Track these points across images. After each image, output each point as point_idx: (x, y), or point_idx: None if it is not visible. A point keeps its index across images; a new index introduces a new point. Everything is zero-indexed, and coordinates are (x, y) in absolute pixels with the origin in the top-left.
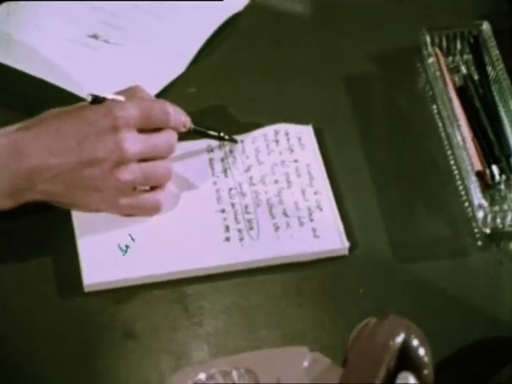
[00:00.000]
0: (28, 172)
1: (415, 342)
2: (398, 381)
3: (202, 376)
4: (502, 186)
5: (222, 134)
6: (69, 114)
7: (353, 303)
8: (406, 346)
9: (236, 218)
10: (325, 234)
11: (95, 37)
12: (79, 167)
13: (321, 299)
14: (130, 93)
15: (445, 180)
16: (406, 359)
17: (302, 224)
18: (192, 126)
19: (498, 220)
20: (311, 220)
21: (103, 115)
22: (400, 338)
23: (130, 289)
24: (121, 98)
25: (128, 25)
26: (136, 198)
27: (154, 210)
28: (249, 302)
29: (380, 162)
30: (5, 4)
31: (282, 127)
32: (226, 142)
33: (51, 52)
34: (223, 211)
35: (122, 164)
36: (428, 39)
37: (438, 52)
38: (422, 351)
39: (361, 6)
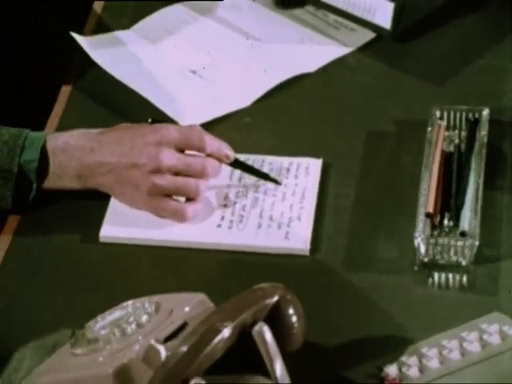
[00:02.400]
0: (91, 164)
1: (287, 306)
2: (254, 328)
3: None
4: (446, 229)
5: (265, 173)
6: (132, 127)
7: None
8: (278, 307)
9: (233, 213)
10: (294, 237)
11: (194, 72)
12: (126, 167)
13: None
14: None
15: (408, 216)
16: (278, 319)
17: (279, 227)
18: (234, 158)
19: (434, 253)
20: (288, 226)
21: (152, 132)
22: (273, 299)
23: (135, 246)
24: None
25: (218, 66)
26: (166, 203)
27: (179, 218)
28: (219, 273)
29: (364, 196)
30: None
31: (296, 160)
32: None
33: (160, 77)
34: (225, 206)
35: (157, 171)
36: (438, 113)
37: (442, 124)
38: (292, 314)
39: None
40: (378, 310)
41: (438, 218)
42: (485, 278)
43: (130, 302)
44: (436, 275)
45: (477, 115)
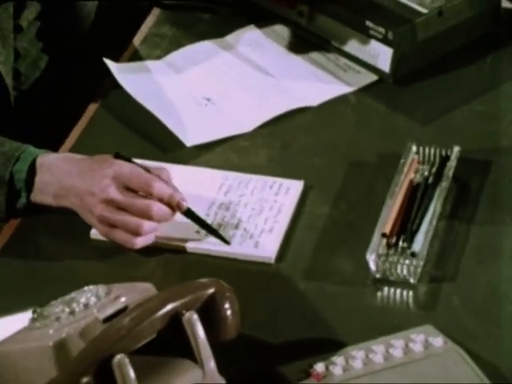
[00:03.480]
0: (66, 186)
1: (222, 299)
2: (185, 315)
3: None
4: (399, 249)
5: (214, 229)
6: (100, 159)
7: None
8: (213, 299)
9: (213, 222)
10: (262, 247)
11: (208, 99)
12: (86, 193)
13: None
14: (154, 169)
15: (368, 235)
16: (212, 310)
17: (251, 237)
18: (184, 209)
19: (383, 269)
20: (259, 237)
21: (109, 166)
22: (208, 291)
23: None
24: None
25: (230, 95)
26: (112, 231)
27: (127, 246)
28: (192, 274)
29: (336, 216)
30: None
31: (279, 180)
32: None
33: (176, 102)
34: (208, 215)
35: (104, 202)
36: (414, 148)
37: (415, 158)
38: (226, 308)
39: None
40: (324, 316)
41: (393, 239)
42: (427, 295)
43: (90, 286)
44: (384, 290)
45: (448, 152)
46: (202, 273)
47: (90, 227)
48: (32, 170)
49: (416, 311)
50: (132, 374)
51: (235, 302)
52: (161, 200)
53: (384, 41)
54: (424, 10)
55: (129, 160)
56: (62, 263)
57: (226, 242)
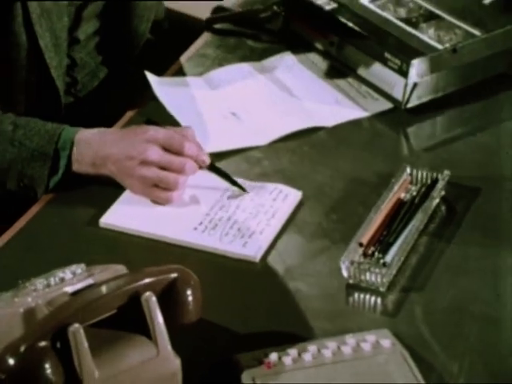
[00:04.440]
0: (102, 155)
1: (184, 285)
2: (143, 296)
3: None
4: (373, 259)
5: (234, 180)
6: (132, 128)
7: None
8: (175, 284)
9: (210, 221)
10: (250, 246)
11: (233, 114)
12: (124, 159)
13: (221, 279)
14: (181, 129)
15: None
16: (174, 294)
17: (242, 237)
18: (208, 163)
19: (355, 276)
20: (249, 237)
21: (144, 132)
22: (170, 275)
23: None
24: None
25: (254, 111)
26: (153, 190)
27: (164, 203)
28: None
29: (327, 225)
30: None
31: (280, 186)
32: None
33: (204, 114)
34: (208, 214)
35: (144, 164)
36: (408, 169)
37: (407, 178)
38: (188, 294)
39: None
40: (294, 313)
41: (371, 250)
42: (393, 303)
43: (73, 265)
44: (355, 295)
45: (439, 176)
46: (190, 265)
47: (99, 216)
48: (71, 146)
49: (380, 317)
50: (85, 342)
51: (198, 290)
52: (190, 157)
53: (399, 71)
54: (440, 46)
55: (158, 124)
56: (72, 249)
57: (244, 190)
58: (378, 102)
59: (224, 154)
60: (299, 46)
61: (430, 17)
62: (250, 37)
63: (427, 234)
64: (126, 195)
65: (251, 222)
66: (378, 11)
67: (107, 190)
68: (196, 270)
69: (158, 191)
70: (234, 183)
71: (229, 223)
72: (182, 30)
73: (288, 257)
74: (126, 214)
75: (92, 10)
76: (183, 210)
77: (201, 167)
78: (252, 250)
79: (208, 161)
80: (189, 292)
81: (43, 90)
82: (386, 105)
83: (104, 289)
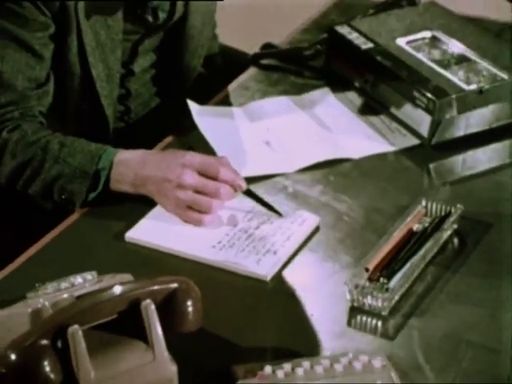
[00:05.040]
0: (142, 175)
1: (185, 295)
2: (142, 303)
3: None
4: (378, 284)
5: (270, 205)
6: (171, 151)
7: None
8: (175, 294)
9: (229, 240)
10: (263, 265)
11: (267, 143)
12: (162, 181)
13: (232, 295)
14: (216, 157)
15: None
16: (174, 303)
17: (256, 254)
18: (244, 189)
19: (358, 299)
20: (264, 255)
21: (181, 156)
22: (170, 285)
23: (151, 249)
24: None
25: (287, 140)
26: (186, 212)
27: (196, 224)
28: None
29: (339, 251)
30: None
31: (300, 211)
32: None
33: (239, 143)
34: (227, 234)
35: (180, 187)
36: (423, 202)
37: (422, 210)
38: (188, 304)
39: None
40: (296, 330)
41: (377, 275)
42: (392, 327)
43: (86, 272)
44: (357, 317)
45: (452, 209)
46: (204, 280)
47: (125, 231)
48: (111, 165)
49: (379, 339)
50: (83, 343)
51: (198, 301)
52: (226, 182)
53: (426, 109)
54: (466, 87)
55: (197, 151)
56: (99, 258)
57: (280, 214)
58: (405, 138)
59: (253, 178)
60: (338, 83)
61: (461, 59)
62: (293, 73)
63: (435, 264)
64: (154, 212)
65: (267, 241)
66: (413, 52)
67: (139, 205)
68: (208, 285)
69: (191, 213)
70: (270, 208)
71: (246, 242)
72: (231, 64)
73: (298, 278)
74: (150, 230)
75: (148, 46)
76: (205, 228)
77: (237, 191)
78: (264, 268)
79: (244, 186)
80: (189, 303)
81: (93, 116)
82: (413, 141)
83: (105, 294)
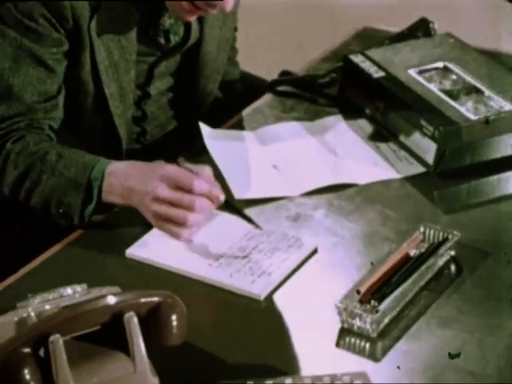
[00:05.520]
0: (128, 187)
1: (168, 309)
2: (125, 315)
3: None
4: (368, 306)
5: (248, 217)
6: (153, 164)
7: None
8: (159, 308)
9: (227, 259)
10: (257, 285)
11: (275, 166)
12: (142, 193)
13: (224, 312)
14: (198, 168)
15: None
16: (158, 317)
17: (252, 275)
18: (222, 200)
19: (348, 320)
20: (259, 277)
21: (158, 169)
22: (153, 299)
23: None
24: (188, 166)
25: (294, 165)
26: (164, 225)
27: (176, 238)
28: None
29: (334, 274)
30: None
31: (297, 236)
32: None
33: (247, 165)
34: (225, 253)
35: (155, 200)
36: (422, 228)
37: (419, 236)
38: (172, 319)
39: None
40: (284, 349)
41: (369, 297)
42: (381, 349)
43: (76, 285)
44: (346, 338)
45: (449, 236)
46: (199, 297)
47: (126, 247)
48: (102, 177)
49: (365, 361)
50: (63, 353)
51: (183, 316)
52: (201, 195)
53: (432, 138)
54: (473, 117)
55: (176, 163)
56: (99, 272)
57: (258, 226)
58: (412, 166)
59: (258, 200)
60: (351, 110)
61: (471, 90)
62: (308, 100)
63: (429, 289)
64: (154, 230)
65: (264, 262)
66: (424, 82)
67: (141, 223)
68: (204, 301)
69: (169, 226)
70: (249, 221)
71: (243, 262)
72: (250, 90)
73: (291, 298)
74: (150, 248)
75: (164, 69)
76: (204, 247)
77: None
78: (258, 288)
79: (222, 197)
80: (173, 317)
81: (107, 135)
82: (419, 169)
83: (88, 305)
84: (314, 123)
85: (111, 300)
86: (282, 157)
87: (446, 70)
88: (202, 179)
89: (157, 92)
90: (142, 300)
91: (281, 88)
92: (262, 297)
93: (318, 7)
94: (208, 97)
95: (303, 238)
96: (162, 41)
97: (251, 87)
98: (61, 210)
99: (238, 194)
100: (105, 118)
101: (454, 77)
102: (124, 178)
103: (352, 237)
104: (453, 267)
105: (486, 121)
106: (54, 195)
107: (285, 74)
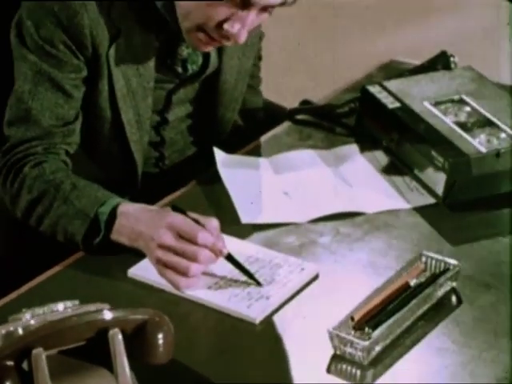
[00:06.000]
0: (136, 231)
1: (154, 328)
2: (109, 332)
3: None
4: (362, 333)
5: (251, 273)
6: (160, 210)
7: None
8: (145, 326)
9: (226, 282)
10: (253, 309)
11: (286, 193)
12: (148, 239)
13: (218, 334)
14: (205, 219)
15: None
16: (144, 335)
17: (249, 299)
18: (225, 254)
19: (340, 347)
20: (256, 300)
21: (165, 217)
22: (138, 316)
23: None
24: (195, 216)
25: (305, 192)
26: (165, 272)
27: (175, 287)
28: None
29: (330, 301)
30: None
31: (300, 261)
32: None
33: (258, 191)
34: (225, 276)
35: (160, 247)
36: (423, 258)
37: (420, 265)
38: (158, 337)
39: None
40: (273, 373)
41: (362, 325)
42: (371, 377)
43: (69, 301)
44: (338, 365)
45: (450, 266)
46: (197, 317)
47: (129, 267)
48: (113, 215)
49: None
50: (45, 366)
51: (169, 335)
52: (205, 247)
53: (442, 169)
54: (484, 150)
55: (183, 212)
56: (101, 291)
57: (259, 283)
58: (422, 197)
59: (264, 225)
60: (368, 140)
61: (485, 123)
62: (326, 129)
63: (426, 319)
64: None
65: (263, 288)
66: (438, 114)
67: None
68: (200, 323)
69: (170, 273)
70: (250, 276)
71: (242, 286)
72: (272, 118)
73: (287, 323)
74: (152, 268)
75: (184, 96)
76: (205, 269)
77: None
78: (255, 312)
79: (225, 251)
80: (160, 335)
81: (123, 161)
82: (429, 200)
83: (72, 320)
84: (329, 152)
85: (96, 316)
86: (294, 184)
87: (461, 103)
88: (206, 231)
89: (175, 118)
90: (128, 317)
91: (299, 116)
92: (258, 320)
93: (346, 40)
94: (227, 125)
95: (305, 263)
96: (180, 70)
97: (272, 115)
98: (66, 238)
99: (245, 218)
100: (121, 144)
101: (468, 109)
102: (134, 221)
103: (355, 264)
104: (453, 298)
105: (497, 154)
106: (60, 223)
107: (305, 103)
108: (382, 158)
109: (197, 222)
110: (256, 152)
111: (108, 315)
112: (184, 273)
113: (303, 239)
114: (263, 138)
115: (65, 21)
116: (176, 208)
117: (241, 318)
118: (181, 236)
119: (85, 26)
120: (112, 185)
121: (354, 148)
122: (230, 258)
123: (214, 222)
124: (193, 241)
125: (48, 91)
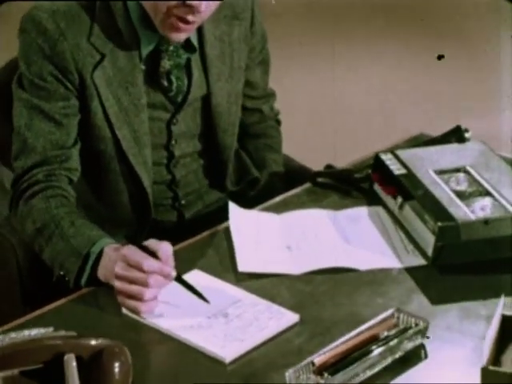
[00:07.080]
0: (110, 270)
1: (111, 357)
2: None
3: None
4: (321, 378)
5: (198, 292)
6: (124, 248)
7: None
8: (101, 355)
9: (208, 322)
10: (226, 349)
11: (289, 247)
12: (110, 272)
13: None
14: (157, 245)
15: None
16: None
17: (224, 340)
18: (174, 276)
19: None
20: (230, 342)
21: (121, 249)
22: (91, 342)
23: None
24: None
25: (306, 247)
26: (124, 300)
27: (133, 312)
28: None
29: (305, 347)
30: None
31: (282, 309)
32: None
33: (261, 245)
34: (209, 317)
35: (116, 277)
36: (396, 313)
37: (391, 320)
38: (114, 366)
39: None
40: None
41: (322, 370)
42: None
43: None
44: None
45: (421, 323)
46: (172, 353)
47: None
48: (100, 254)
49: None
50: None
51: (126, 365)
52: (153, 273)
53: (432, 232)
54: (473, 217)
55: (138, 243)
56: (99, 326)
57: (207, 301)
58: (416, 258)
59: (256, 275)
60: (378, 203)
61: (483, 193)
62: (342, 191)
63: (390, 370)
64: None
65: (240, 330)
66: (440, 182)
67: None
68: (172, 357)
69: (128, 301)
70: (199, 295)
71: (222, 327)
72: (292, 174)
73: (257, 365)
74: None
75: (185, 129)
76: (191, 309)
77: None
78: (226, 352)
79: (173, 274)
80: (116, 364)
81: (130, 181)
82: (422, 261)
83: (28, 342)
84: (338, 212)
85: (50, 341)
86: (298, 239)
87: (464, 173)
88: (151, 259)
89: (182, 153)
90: (80, 342)
91: (320, 179)
92: (228, 360)
93: (382, 113)
94: (229, 151)
95: (284, 311)
96: (165, 83)
97: (295, 175)
98: (61, 272)
99: (242, 267)
100: (125, 163)
101: (470, 180)
102: (110, 262)
103: (335, 317)
104: (422, 353)
105: (486, 221)
106: (58, 257)
107: (328, 167)
108: (386, 220)
109: (147, 249)
110: (273, 207)
111: (60, 340)
112: (140, 298)
113: (291, 289)
114: (282, 196)
115: (48, 51)
116: (140, 246)
117: (213, 357)
118: (131, 265)
119: (65, 51)
120: (126, 218)
121: (363, 210)
122: (179, 280)
123: (164, 247)
124: (140, 269)
125: (41, 122)
